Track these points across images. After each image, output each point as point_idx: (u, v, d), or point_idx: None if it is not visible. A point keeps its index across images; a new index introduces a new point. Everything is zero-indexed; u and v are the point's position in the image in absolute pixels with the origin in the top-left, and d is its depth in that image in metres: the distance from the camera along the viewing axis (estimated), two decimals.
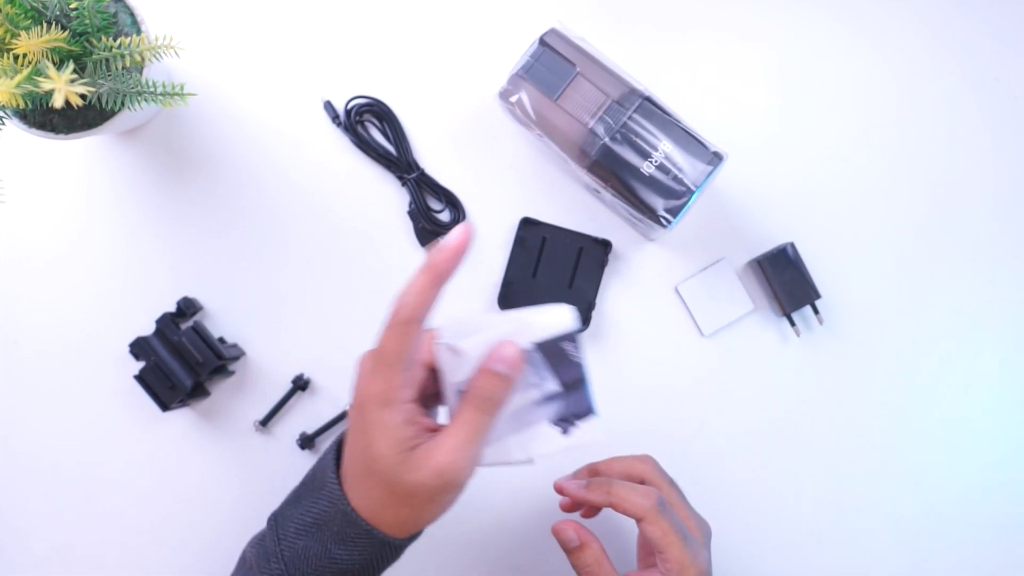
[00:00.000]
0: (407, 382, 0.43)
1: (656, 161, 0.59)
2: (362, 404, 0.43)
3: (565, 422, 0.46)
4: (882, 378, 0.67)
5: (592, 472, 0.57)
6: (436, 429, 0.45)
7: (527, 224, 0.67)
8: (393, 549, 0.46)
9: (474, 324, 0.45)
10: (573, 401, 0.46)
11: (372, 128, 0.68)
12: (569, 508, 0.57)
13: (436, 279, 0.42)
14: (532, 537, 0.67)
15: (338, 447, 0.47)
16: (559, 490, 0.56)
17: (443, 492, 0.43)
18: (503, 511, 0.67)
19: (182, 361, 0.64)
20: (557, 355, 0.45)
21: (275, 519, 0.48)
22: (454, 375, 0.45)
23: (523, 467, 0.49)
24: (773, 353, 0.67)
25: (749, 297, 0.67)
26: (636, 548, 0.58)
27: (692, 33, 0.68)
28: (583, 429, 0.46)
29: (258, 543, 0.48)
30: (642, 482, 0.55)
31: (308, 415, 0.67)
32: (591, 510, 0.58)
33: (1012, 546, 0.67)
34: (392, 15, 0.68)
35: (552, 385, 0.46)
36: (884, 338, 0.67)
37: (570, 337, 0.45)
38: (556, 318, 0.45)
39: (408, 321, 0.42)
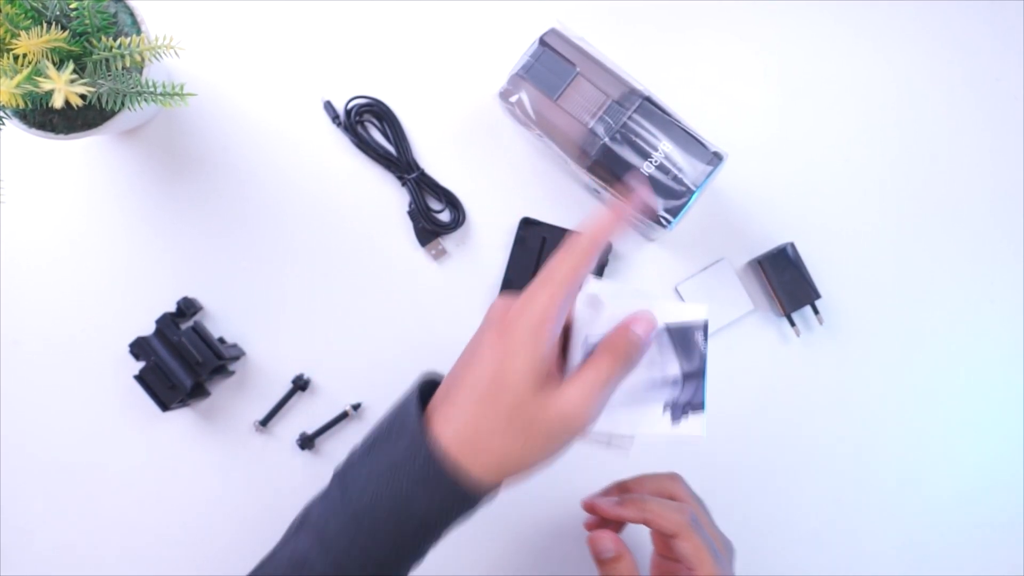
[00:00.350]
0: (563, 315, 0.43)
1: (656, 161, 0.59)
2: (512, 321, 0.43)
3: (677, 409, 0.47)
4: (882, 378, 0.67)
5: (622, 489, 0.57)
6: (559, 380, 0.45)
7: (527, 224, 0.67)
8: (471, 501, 0.44)
9: (617, 289, 0.47)
10: (689, 391, 0.47)
11: (372, 128, 0.68)
12: (594, 527, 0.56)
13: (617, 222, 0.44)
14: (550, 553, 0.67)
15: (422, 388, 0.46)
16: (590, 508, 0.55)
17: (563, 432, 0.43)
18: (522, 528, 0.67)
19: (182, 361, 0.64)
20: (686, 342, 0.47)
21: (341, 473, 0.46)
22: (588, 327, 0.46)
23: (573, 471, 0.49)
24: (773, 353, 0.67)
25: (749, 297, 0.66)
26: (650, 567, 0.58)
27: (693, 33, 0.68)
28: (691, 421, 0.47)
29: (322, 499, 0.46)
30: (672, 499, 0.55)
31: (308, 415, 0.67)
32: (616, 528, 0.57)
33: (1013, 546, 0.67)
34: (392, 16, 0.68)
35: (674, 370, 0.47)
36: (884, 338, 0.67)
37: (702, 329, 0.47)
38: (693, 308, 0.47)
39: (589, 248, 0.43)
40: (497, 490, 0.45)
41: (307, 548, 0.45)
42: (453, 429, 0.43)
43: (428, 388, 0.47)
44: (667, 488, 0.56)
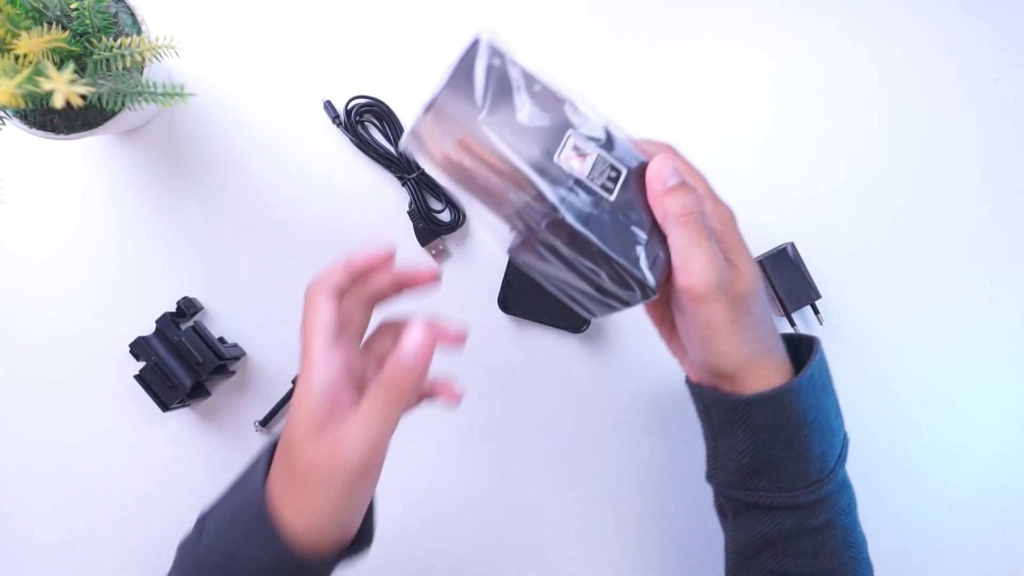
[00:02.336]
0: (329, 354, 0.42)
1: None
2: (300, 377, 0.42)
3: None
4: (882, 378, 0.67)
5: None
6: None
7: None
8: (294, 564, 0.41)
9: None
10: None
11: (372, 128, 0.68)
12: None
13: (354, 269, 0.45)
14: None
15: (273, 443, 0.45)
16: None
17: (333, 474, 0.40)
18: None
19: (182, 361, 0.64)
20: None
21: (202, 516, 0.46)
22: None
23: None
24: None
25: None
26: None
27: (694, 35, 0.68)
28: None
29: (188, 539, 0.46)
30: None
31: None
32: None
33: (1013, 546, 0.67)
34: (392, 15, 0.68)
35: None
36: (884, 338, 0.67)
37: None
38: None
39: (317, 294, 0.43)
40: (330, 553, 0.43)
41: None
42: (279, 485, 0.42)
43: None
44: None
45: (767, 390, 0.44)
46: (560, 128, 0.42)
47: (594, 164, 0.42)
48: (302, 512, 0.41)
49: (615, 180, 0.42)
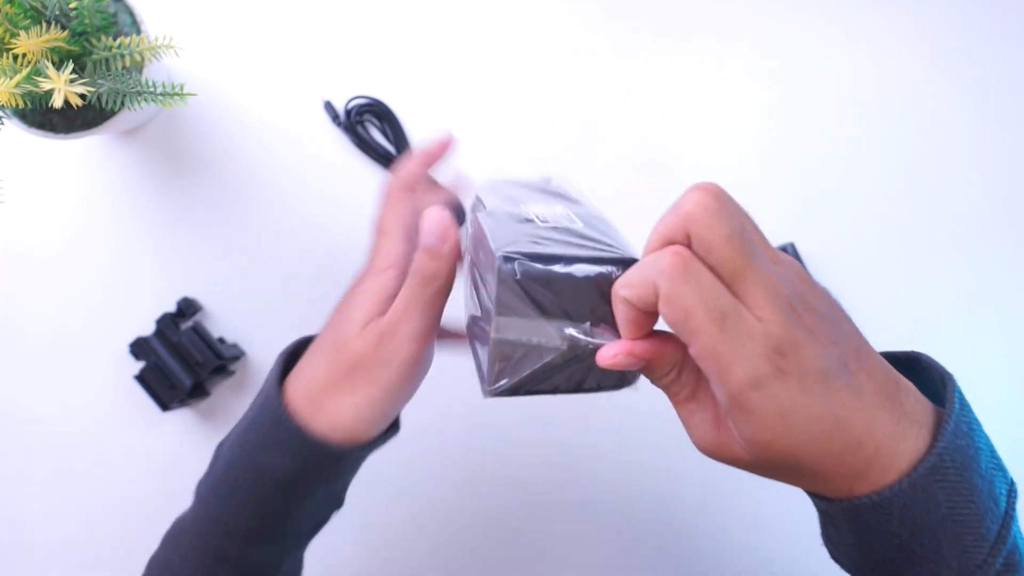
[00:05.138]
0: (401, 251, 0.42)
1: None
2: (360, 274, 0.43)
3: None
4: None
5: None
6: None
7: None
8: (328, 456, 0.41)
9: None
10: None
11: (372, 128, 0.68)
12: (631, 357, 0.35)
13: (427, 159, 0.46)
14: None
15: (291, 351, 0.45)
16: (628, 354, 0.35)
17: (381, 363, 0.40)
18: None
19: (182, 361, 0.64)
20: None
21: (220, 442, 0.46)
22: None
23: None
24: None
25: None
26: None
27: (694, 34, 0.68)
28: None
29: (207, 469, 0.46)
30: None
31: None
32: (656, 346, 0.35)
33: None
34: (392, 15, 0.68)
35: None
36: (884, 338, 0.67)
37: None
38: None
39: (401, 187, 0.45)
40: (368, 441, 0.42)
41: (188, 513, 0.46)
42: (301, 385, 0.42)
43: (303, 347, 0.45)
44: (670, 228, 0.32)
45: (859, 498, 0.32)
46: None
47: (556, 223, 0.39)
48: (342, 406, 0.41)
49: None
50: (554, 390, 0.37)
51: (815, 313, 0.32)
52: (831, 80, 0.68)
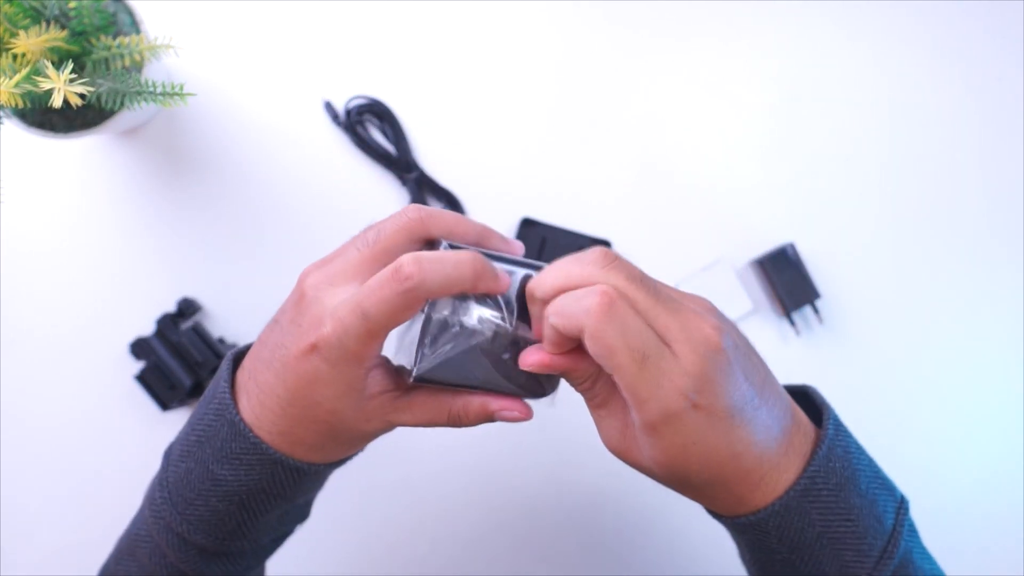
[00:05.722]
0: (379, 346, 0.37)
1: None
2: (323, 343, 0.36)
3: None
4: (882, 378, 0.67)
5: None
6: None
7: (527, 224, 0.67)
8: (291, 471, 0.38)
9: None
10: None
11: (372, 128, 0.68)
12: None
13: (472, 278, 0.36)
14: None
15: (236, 357, 0.41)
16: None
17: (367, 435, 0.39)
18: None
19: (182, 361, 0.64)
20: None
21: (168, 446, 0.43)
22: None
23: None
24: (773, 353, 0.67)
25: (749, 297, 0.66)
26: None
27: (694, 33, 0.68)
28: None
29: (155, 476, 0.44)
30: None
31: None
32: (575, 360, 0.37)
33: (1013, 546, 0.67)
34: (392, 15, 0.68)
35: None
36: (884, 338, 0.67)
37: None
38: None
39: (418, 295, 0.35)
40: (336, 460, 0.40)
41: (140, 522, 0.44)
42: (255, 404, 0.39)
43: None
44: (573, 273, 0.35)
45: (739, 517, 0.37)
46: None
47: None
48: (321, 449, 0.39)
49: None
50: (476, 385, 0.39)
51: (735, 348, 0.35)
52: (831, 80, 0.68)
